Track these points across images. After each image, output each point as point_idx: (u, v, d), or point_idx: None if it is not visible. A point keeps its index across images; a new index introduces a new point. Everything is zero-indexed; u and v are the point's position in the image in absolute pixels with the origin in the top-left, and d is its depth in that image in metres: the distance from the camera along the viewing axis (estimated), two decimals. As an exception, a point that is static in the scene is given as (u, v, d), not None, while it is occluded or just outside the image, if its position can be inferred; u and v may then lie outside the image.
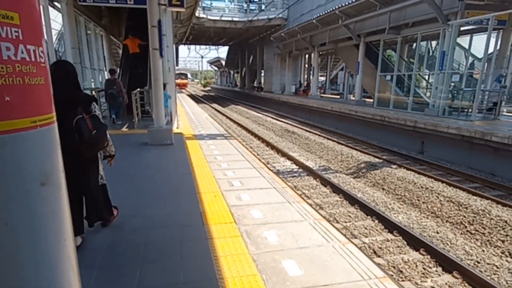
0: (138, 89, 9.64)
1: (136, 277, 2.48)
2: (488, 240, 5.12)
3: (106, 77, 15.26)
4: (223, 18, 27.88)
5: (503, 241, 5.02)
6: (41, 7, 1.17)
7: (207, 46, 48.42)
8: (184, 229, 3.26)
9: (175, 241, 3.02)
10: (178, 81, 48.49)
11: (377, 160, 9.58)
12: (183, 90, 54.15)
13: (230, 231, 3.23)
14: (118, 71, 12.27)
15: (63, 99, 2.53)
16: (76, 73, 2.84)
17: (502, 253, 4.81)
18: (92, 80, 13.36)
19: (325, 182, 7.62)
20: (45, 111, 1.12)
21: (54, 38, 13.37)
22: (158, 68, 7.34)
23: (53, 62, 2.92)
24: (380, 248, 4.81)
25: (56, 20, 12.84)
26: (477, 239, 5.20)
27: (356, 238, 5.11)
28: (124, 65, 13.41)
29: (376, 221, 5.64)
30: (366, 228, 5.41)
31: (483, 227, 5.43)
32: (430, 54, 18.03)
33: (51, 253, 1.14)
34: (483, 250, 4.88)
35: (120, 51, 17.69)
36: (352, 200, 6.52)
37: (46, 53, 1.14)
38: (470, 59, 20.68)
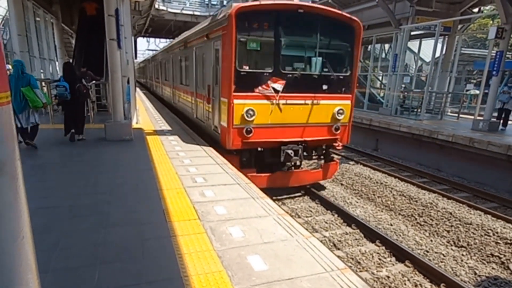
0: (94, 82, 9.09)
1: (94, 278, 2.35)
2: (435, 231, 5.52)
3: (58, 68, 14.24)
4: (183, 12, 27.17)
5: (448, 232, 5.45)
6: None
7: (168, 40, 46.63)
8: (146, 227, 3.14)
9: (136, 240, 2.90)
10: None
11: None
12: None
13: (194, 228, 3.17)
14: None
15: (72, 79, 6.47)
16: (72, 65, 7.29)
17: (448, 242, 5.22)
18: (42, 70, 12.37)
19: (287, 178, 7.74)
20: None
21: (-3, 23, 12.23)
22: (116, 60, 6.98)
23: (64, 62, 8.62)
24: (340, 241, 5.00)
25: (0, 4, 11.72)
26: (426, 230, 5.60)
27: (317, 232, 5.27)
28: (82, 28, 12.79)
29: (336, 215, 5.85)
30: (326, 222, 5.59)
31: (431, 219, 5.85)
32: (384, 56, 18.99)
33: (7, 253, 0.99)
34: (431, 240, 5.26)
35: (73, 41, 16.63)
36: (313, 196, 6.70)
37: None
38: (419, 62, 22.06)
